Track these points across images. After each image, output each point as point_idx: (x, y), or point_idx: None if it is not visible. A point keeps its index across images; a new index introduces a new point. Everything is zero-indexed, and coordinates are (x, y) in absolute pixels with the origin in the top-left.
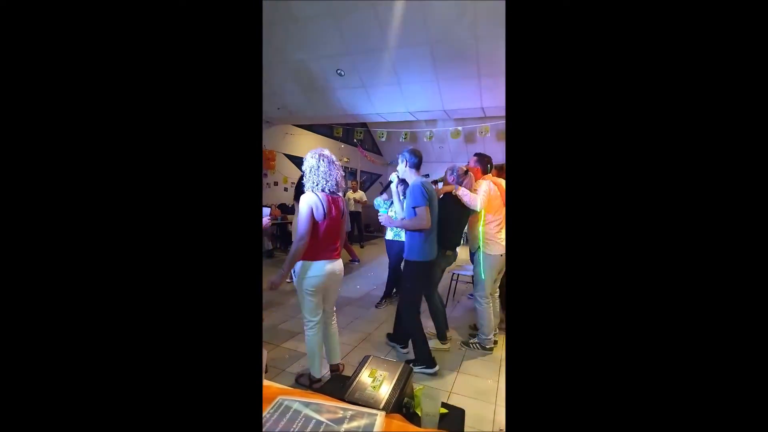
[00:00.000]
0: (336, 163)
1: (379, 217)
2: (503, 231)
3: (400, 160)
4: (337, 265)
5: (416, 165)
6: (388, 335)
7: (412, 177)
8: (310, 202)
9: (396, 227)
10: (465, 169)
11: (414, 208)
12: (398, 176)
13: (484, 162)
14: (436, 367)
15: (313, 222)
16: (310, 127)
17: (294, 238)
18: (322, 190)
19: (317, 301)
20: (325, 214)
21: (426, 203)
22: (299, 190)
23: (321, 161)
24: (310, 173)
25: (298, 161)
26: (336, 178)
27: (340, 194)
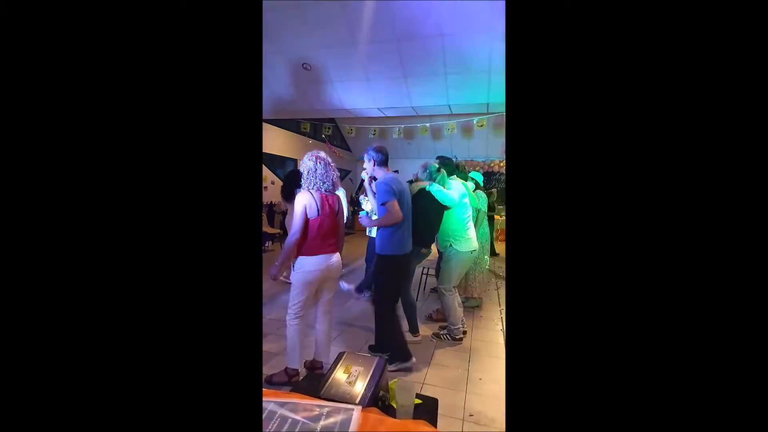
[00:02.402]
0: (332, 164)
1: (360, 220)
2: (472, 229)
3: (366, 159)
4: (335, 258)
5: (383, 162)
6: (371, 347)
7: (380, 174)
8: (303, 201)
9: (374, 227)
10: (437, 166)
11: (383, 204)
12: (368, 174)
13: (445, 164)
14: (413, 360)
15: (306, 220)
16: (277, 122)
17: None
18: (318, 190)
19: (309, 294)
20: (318, 212)
21: (394, 197)
22: (288, 187)
23: (318, 164)
24: (308, 175)
25: (264, 157)
26: (332, 179)
27: (337, 193)
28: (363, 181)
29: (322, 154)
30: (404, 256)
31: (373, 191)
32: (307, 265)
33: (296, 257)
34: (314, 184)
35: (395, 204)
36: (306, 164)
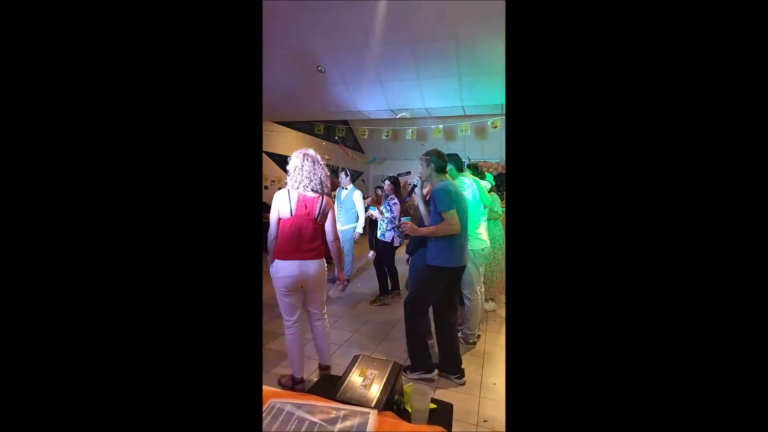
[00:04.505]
0: (320, 162)
1: (403, 227)
2: (482, 226)
3: (425, 164)
4: (312, 265)
5: (442, 168)
6: (407, 368)
7: (436, 180)
8: (276, 201)
9: (424, 235)
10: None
11: (441, 213)
12: (421, 180)
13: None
14: (434, 372)
15: (278, 220)
16: (291, 125)
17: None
18: (297, 189)
19: (292, 301)
20: (291, 212)
21: (454, 206)
22: None
23: (305, 161)
24: (294, 172)
25: (278, 159)
26: (320, 178)
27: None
28: (414, 186)
29: (311, 151)
30: (458, 269)
31: (424, 199)
32: (280, 270)
33: (272, 261)
34: (299, 182)
35: (454, 214)
36: (292, 162)
